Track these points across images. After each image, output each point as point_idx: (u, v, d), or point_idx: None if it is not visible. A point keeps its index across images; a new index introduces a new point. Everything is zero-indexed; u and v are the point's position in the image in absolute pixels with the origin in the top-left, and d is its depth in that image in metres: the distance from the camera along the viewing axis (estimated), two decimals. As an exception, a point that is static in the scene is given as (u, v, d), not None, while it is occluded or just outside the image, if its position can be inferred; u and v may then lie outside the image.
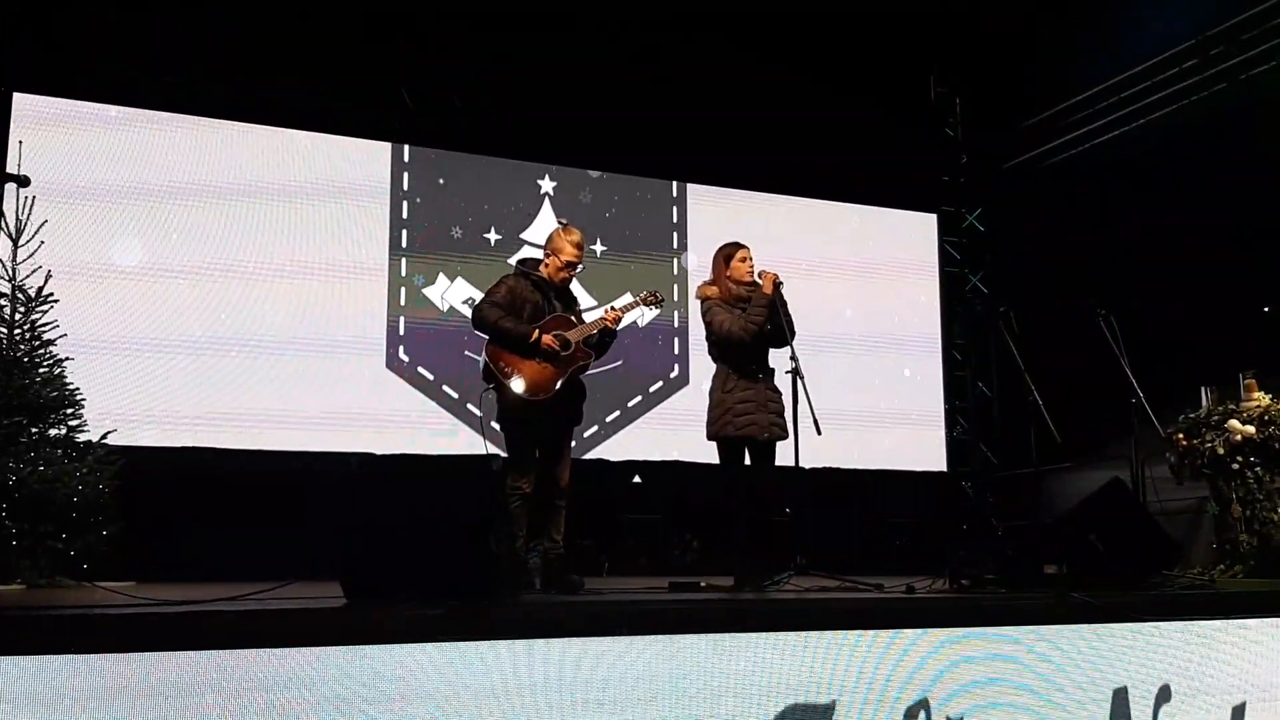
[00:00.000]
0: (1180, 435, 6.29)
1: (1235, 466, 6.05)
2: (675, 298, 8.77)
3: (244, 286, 7.51)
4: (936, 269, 9.85)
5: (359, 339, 7.80)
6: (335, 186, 7.91)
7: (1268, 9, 7.75)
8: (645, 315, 8.50)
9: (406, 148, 8.23)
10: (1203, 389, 6.46)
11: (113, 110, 7.35)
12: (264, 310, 7.53)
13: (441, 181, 8.29)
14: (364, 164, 8.06)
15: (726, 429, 5.01)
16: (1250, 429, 6.02)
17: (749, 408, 5.00)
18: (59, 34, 7.18)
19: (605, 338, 4.99)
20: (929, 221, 9.93)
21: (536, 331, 4.76)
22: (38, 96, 7.17)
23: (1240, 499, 6.05)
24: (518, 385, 4.71)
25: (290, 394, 7.49)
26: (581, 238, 5.03)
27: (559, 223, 5.15)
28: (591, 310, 5.11)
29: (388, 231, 8.04)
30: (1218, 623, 3.86)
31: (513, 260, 8.06)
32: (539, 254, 5.18)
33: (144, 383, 7.12)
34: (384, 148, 8.16)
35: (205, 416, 7.24)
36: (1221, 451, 6.07)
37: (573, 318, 4.98)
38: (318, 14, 7.59)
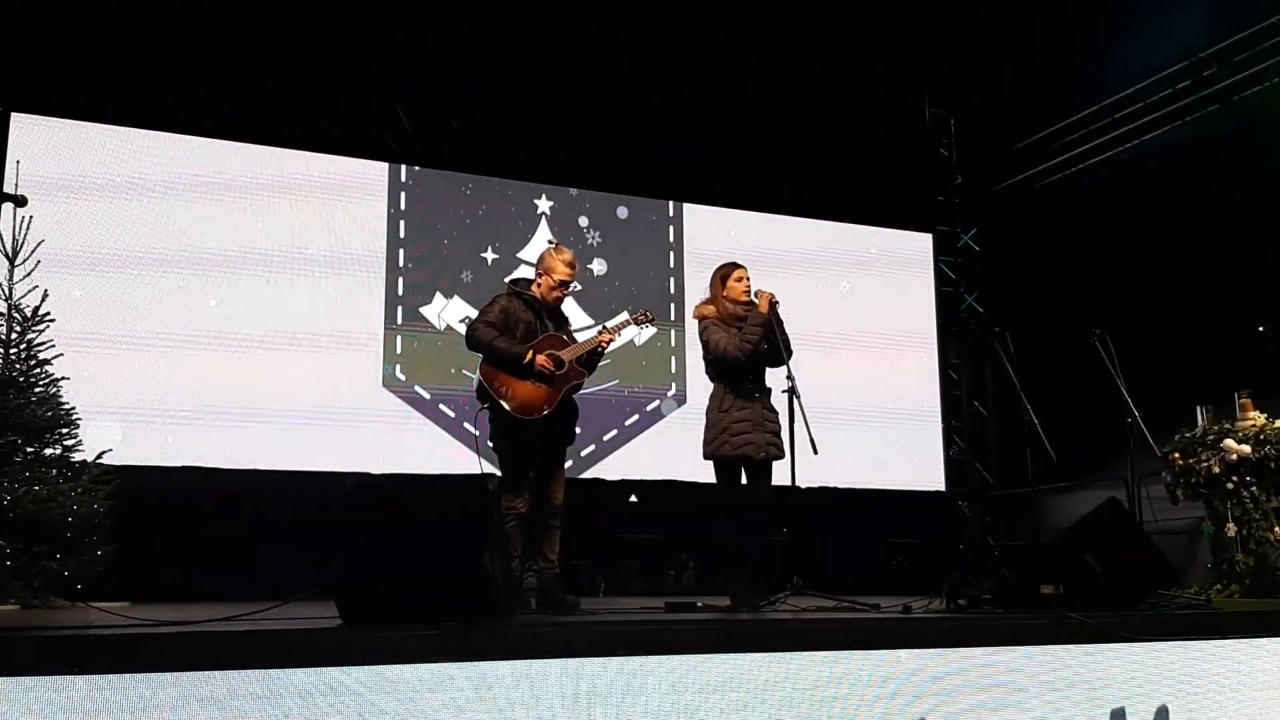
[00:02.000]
0: (1176, 455, 6.30)
1: (1231, 486, 6.06)
2: (672, 316, 8.78)
3: (236, 297, 7.52)
4: (932, 289, 9.87)
5: (355, 358, 7.80)
6: (333, 207, 7.93)
7: (1260, 30, 7.81)
8: (641, 334, 8.52)
9: (404, 167, 8.26)
10: (1198, 409, 6.47)
11: (110, 130, 7.38)
12: (261, 329, 7.54)
13: (439, 201, 8.32)
14: (361, 184, 8.08)
15: (723, 448, 5.01)
16: (1246, 448, 6.02)
17: (745, 427, 5.00)
18: (57, 55, 7.21)
19: (594, 356, 5.00)
20: (924, 241, 9.96)
21: (530, 352, 4.76)
22: (36, 116, 7.19)
23: (1236, 519, 6.06)
24: (512, 405, 4.71)
25: (286, 412, 7.48)
26: (573, 257, 5.06)
27: (549, 243, 5.17)
28: (584, 330, 5.12)
29: (384, 251, 8.05)
30: (1215, 643, 3.85)
31: (510, 280, 8.09)
32: (531, 273, 5.20)
33: (140, 397, 7.12)
34: (381, 167, 8.19)
35: (200, 435, 7.23)
36: (1217, 471, 6.08)
37: (565, 337, 4.98)
38: (316, 36, 7.63)
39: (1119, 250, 8.41)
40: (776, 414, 5.15)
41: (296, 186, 7.85)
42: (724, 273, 5.29)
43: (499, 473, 4.93)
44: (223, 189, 7.62)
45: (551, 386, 4.79)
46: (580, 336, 5.08)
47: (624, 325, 5.20)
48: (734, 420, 5.02)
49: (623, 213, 8.87)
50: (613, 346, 5.05)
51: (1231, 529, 6.05)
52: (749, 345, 5.04)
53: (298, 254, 7.76)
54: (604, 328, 5.05)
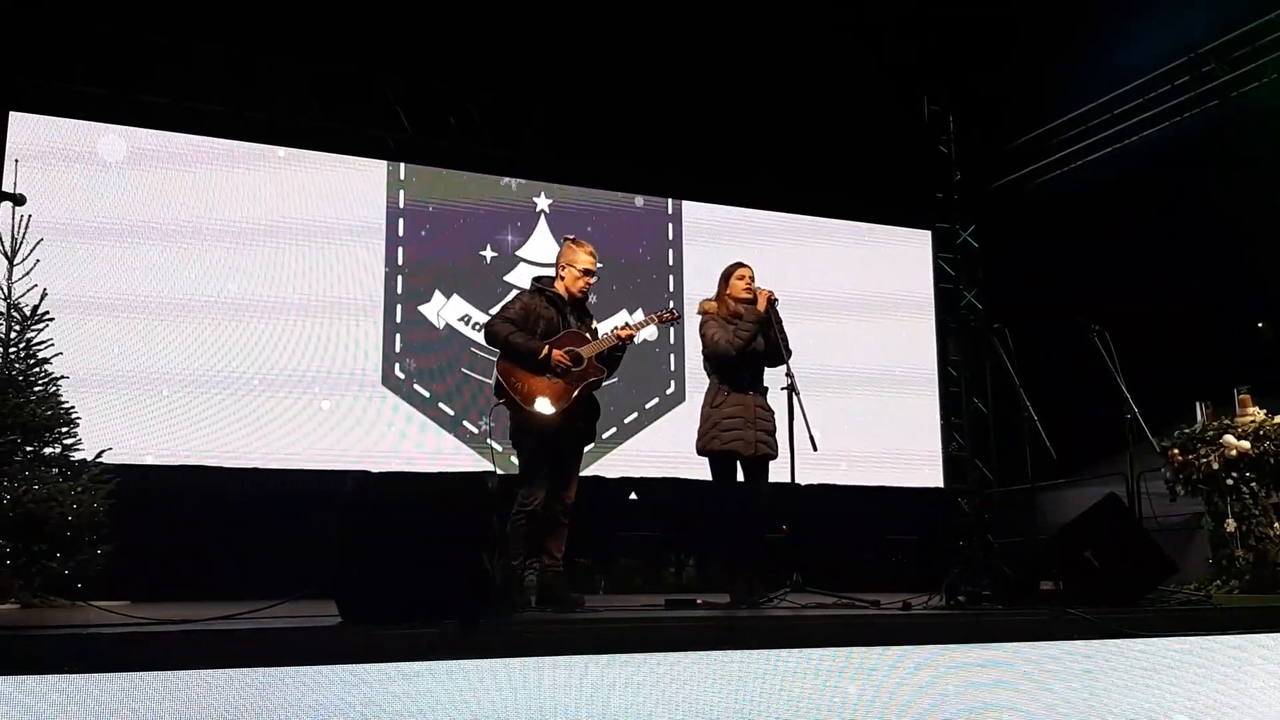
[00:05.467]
0: (1175, 451, 6.31)
1: (1230, 482, 6.07)
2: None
3: (239, 305, 7.52)
4: (931, 285, 9.87)
5: (355, 356, 7.80)
6: (332, 205, 7.93)
7: (1258, 27, 7.81)
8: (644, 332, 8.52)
9: (403, 166, 8.26)
10: (1197, 404, 6.48)
11: (108, 129, 7.38)
12: (260, 329, 7.54)
13: (437, 200, 8.32)
14: (360, 183, 8.08)
15: (712, 443, 5.03)
16: (1245, 444, 6.03)
17: (735, 424, 5.01)
18: (56, 54, 7.21)
19: (615, 352, 4.98)
20: (923, 238, 9.96)
21: (547, 347, 4.73)
22: (34, 116, 7.18)
23: (1235, 514, 6.06)
24: (528, 401, 4.69)
25: (286, 411, 7.49)
26: (592, 248, 5.05)
27: (566, 238, 5.14)
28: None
29: (384, 250, 8.05)
30: (1215, 638, 3.85)
31: (509, 278, 8.09)
32: (545, 271, 5.19)
33: (139, 396, 7.13)
34: (380, 166, 8.19)
35: (200, 434, 7.23)
36: (1216, 467, 6.09)
37: (587, 334, 4.96)
38: (315, 35, 7.63)
39: (1118, 246, 8.41)
40: (772, 412, 5.16)
41: (296, 185, 7.85)
42: (728, 271, 5.35)
43: (499, 470, 4.91)
44: (221, 188, 7.63)
45: (569, 382, 4.76)
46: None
47: (645, 323, 5.18)
48: (724, 416, 5.04)
49: (621, 210, 8.87)
50: (634, 343, 5.01)
51: (1231, 524, 6.06)
52: (740, 340, 5.06)
53: (297, 253, 7.76)
54: (625, 324, 5.02)
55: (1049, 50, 8.53)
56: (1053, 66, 8.74)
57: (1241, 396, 6.33)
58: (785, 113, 8.82)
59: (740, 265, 5.33)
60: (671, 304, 5.47)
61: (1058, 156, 9.36)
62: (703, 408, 5.17)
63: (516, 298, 4.98)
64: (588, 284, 5.00)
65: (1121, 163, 8.79)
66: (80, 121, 7.32)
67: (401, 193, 8.21)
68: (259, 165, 7.79)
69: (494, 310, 4.95)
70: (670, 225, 9.01)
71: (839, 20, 8.25)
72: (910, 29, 8.52)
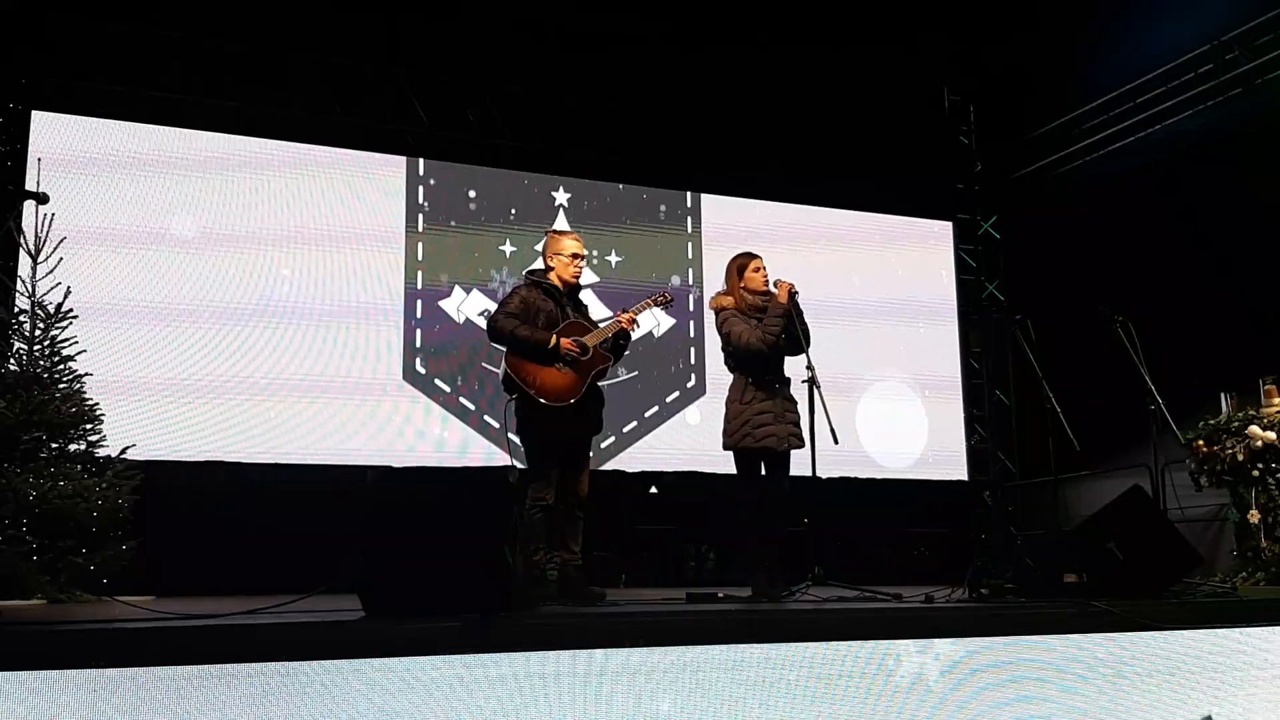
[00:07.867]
0: (1200, 442, 6.26)
1: (1256, 473, 6.02)
2: (691, 307, 8.76)
3: (260, 298, 7.56)
4: (953, 277, 9.82)
5: (376, 351, 7.83)
6: (351, 201, 7.96)
7: (1281, 13, 7.72)
8: (660, 322, 8.51)
9: (421, 161, 8.27)
10: (1222, 395, 6.43)
11: (128, 127, 7.43)
12: (281, 323, 7.58)
13: (456, 195, 8.33)
14: (379, 179, 8.10)
15: (745, 440, 4.98)
16: (1271, 435, 5.98)
17: (767, 419, 4.97)
18: (76, 53, 7.26)
19: (620, 340, 4.99)
20: (944, 229, 9.91)
21: (554, 337, 4.76)
22: (56, 114, 7.24)
23: (1261, 506, 6.01)
24: (540, 393, 4.71)
25: (308, 407, 7.52)
26: (575, 235, 5.08)
27: (547, 232, 5.17)
28: (605, 320, 5.12)
29: (403, 245, 8.08)
30: (1240, 630, 3.82)
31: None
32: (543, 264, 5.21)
33: (162, 394, 7.17)
34: (399, 161, 8.20)
35: (223, 430, 7.28)
36: (1242, 458, 6.04)
37: (587, 323, 4.98)
38: (335, 31, 7.65)
39: (1141, 236, 8.34)
40: (795, 404, 5.13)
41: (316, 181, 7.88)
42: (741, 263, 5.26)
43: (519, 465, 4.92)
44: (241, 182, 7.67)
45: (578, 372, 4.78)
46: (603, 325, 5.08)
47: (643, 308, 5.18)
48: (756, 412, 4.98)
49: (641, 204, 8.86)
50: (635, 334, 5.03)
51: (1255, 516, 6.01)
52: (771, 337, 5.01)
53: (317, 248, 7.79)
54: (623, 310, 5.04)
55: (1070, 39, 8.47)
56: (1074, 56, 8.66)
57: (1267, 387, 6.28)
58: (804, 105, 8.78)
59: (753, 256, 5.26)
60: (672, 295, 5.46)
61: (1079, 146, 9.27)
62: (730, 403, 5.11)
63: (514, 292, 4.99)
64: (580, 268, 5.02)
65: (1144, 152, 8.70)
66: (102, 120, 7.36)
67: (420, 188, 8.23)
68: (281, 160, 7.81)
69: (492, 307, 4.96)
70: (689, 218, 8.99)
71: (859, 10, 8.19)
72: (931, 18, 8.45)
